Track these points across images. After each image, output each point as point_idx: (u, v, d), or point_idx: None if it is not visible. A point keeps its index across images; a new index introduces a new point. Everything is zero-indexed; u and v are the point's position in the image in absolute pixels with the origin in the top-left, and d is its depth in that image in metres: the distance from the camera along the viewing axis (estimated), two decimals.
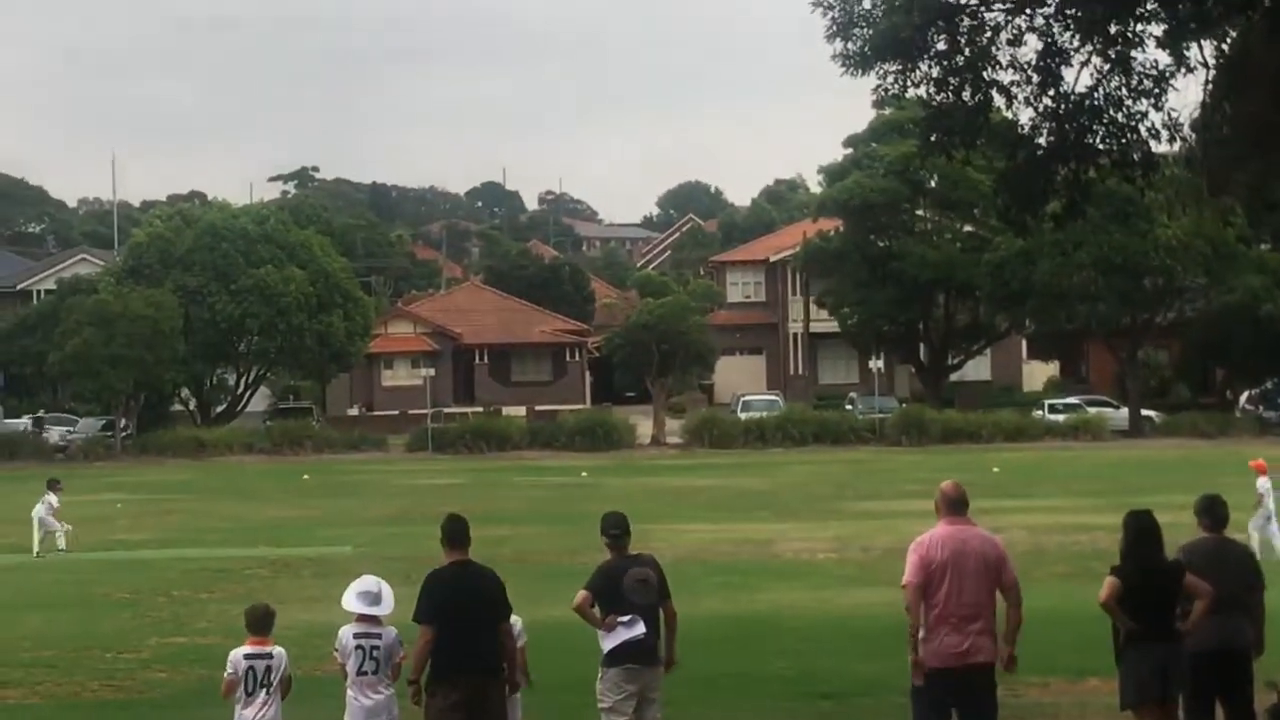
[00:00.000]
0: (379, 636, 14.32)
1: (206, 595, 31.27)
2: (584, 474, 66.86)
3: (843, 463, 71.93)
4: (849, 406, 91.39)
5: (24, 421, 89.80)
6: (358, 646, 14.32)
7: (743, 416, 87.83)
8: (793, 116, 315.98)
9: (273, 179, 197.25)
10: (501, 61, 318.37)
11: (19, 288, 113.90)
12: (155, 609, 29.56)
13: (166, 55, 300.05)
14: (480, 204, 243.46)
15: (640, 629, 14.55)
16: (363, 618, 14.36)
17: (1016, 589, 14.09)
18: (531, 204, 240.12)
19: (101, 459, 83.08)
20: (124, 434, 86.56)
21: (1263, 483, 34.01)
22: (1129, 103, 19.56)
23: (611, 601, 14.60)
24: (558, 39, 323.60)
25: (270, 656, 14.53)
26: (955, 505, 14.06)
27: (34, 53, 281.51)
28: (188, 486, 65.02)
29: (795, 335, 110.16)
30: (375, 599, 14.36)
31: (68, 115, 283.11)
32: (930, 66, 19.60)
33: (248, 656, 14.48)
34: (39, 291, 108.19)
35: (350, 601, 14.42)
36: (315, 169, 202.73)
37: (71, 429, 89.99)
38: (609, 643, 14.63)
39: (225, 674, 14.59)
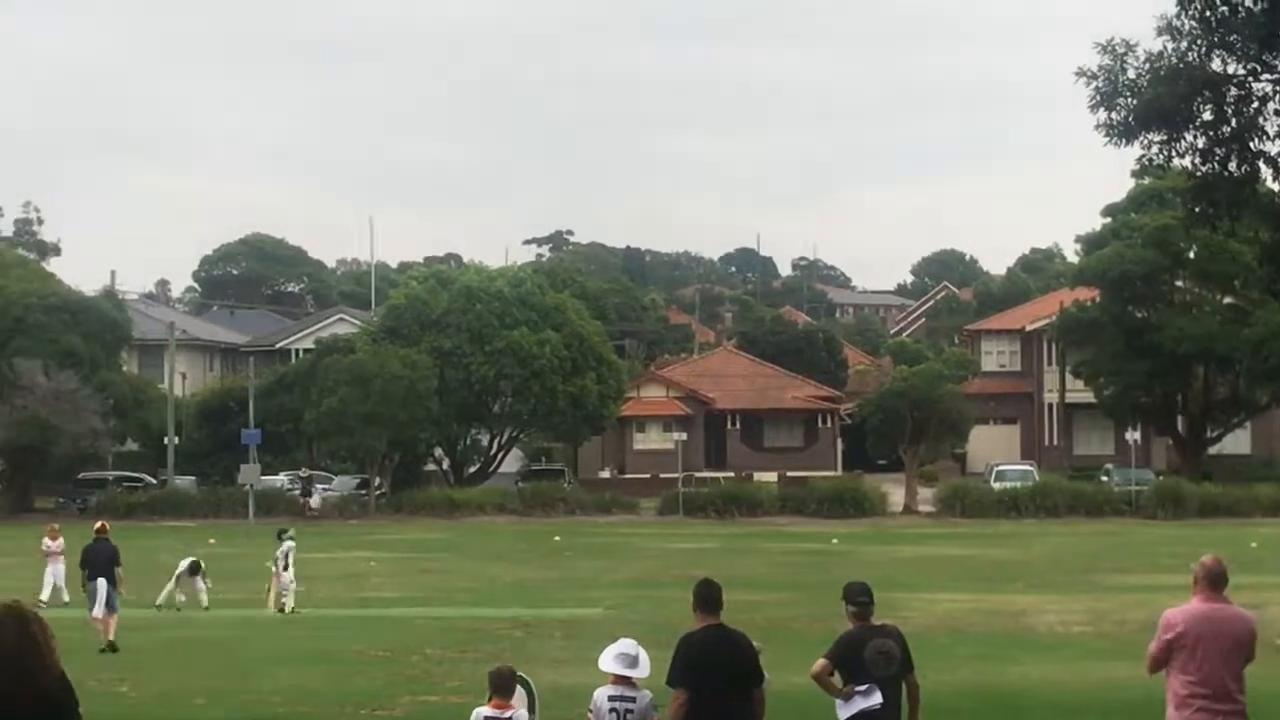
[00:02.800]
0: (634, 700, 14.19)
1: (459, 655, 31.46)
2: (835, 541, 66.53)
3: (1098, 534, 70.81)
4: (1104, 478, 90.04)
5: (281, 478, 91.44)
6: (612, 709, 14.21)
7: (996, 486, 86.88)
8: (1049, 184, 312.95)
9: (527, 242, 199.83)
10: (756, 126, 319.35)
11: (278, 346, 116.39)
12: (409, 667, 29.79)
13: (422, 119, 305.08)
14: (734, 269, 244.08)
15: (877, 699, 14.40)
16: (619, 679, 14.24)
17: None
18: (785, 270, 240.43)
19: (355, 517, 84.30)
20: (378, 492, 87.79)
21: None
22: None
23: (852, 671, 14.44)
24: (811, 104, 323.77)
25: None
26: (1215, 581, 13.70)
27: (294, 114, 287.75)
28: (440, 546, 65.66)
29: (1050, 405, 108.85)
30: (633, 661, 14.27)
31: (327, 177, 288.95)
32: (1196, 137, 19.30)
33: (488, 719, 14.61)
34: (297, 350, 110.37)
35: (608, 663, 14.33)
36: (570, 232, 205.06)
37: (327, 487, 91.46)
38: (845, 712, 14.51)
39: None
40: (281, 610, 40.53)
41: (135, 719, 24.15)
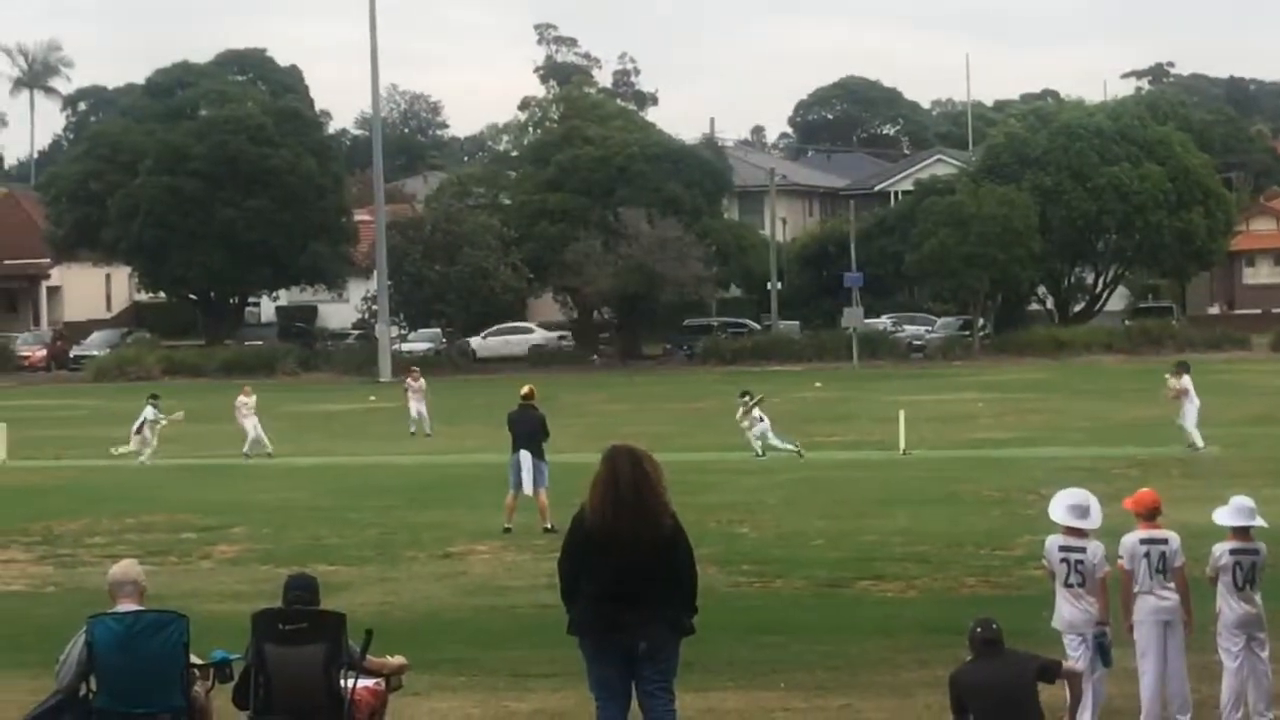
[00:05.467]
0: (1084, 550, 14.21)
1: None
2: None
3: None
4: None
5: (883, 321, 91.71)
6: (1063, 559, 14.27)
7: None
8: None
9: (1125, 75, 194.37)
10: None
11: (876, 189, 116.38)
12: (1024, 506, 29.19)
13: None
14: None
15: None
16: (1069, 530, 14.35)
17: None
18: None
19: (959, 358, 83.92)
20: (981, 333, 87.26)
21: None
22: None
23: None
24: None
25: (1165, 542, 14.40)
26: None
27: None
28: (1047, 385, 64.76)
29: None
30: (1084, 512, 14.33)
31: (922, 16, 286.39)
32: None
33: (1143, 541, 14.42)
34: (896, 193, 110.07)
35: (1058, 513, 14.45)
36: (1170, 64, 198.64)
37: (929, 328, 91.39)
38: None
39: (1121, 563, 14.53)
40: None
41: (757, 559, 24.33)
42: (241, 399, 44.95)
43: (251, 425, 44.23)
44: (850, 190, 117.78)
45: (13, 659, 18.26)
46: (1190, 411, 39.27)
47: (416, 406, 49.92)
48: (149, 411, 43.29)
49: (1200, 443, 38.75)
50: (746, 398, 42.01)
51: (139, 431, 43.08)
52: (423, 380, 50.92)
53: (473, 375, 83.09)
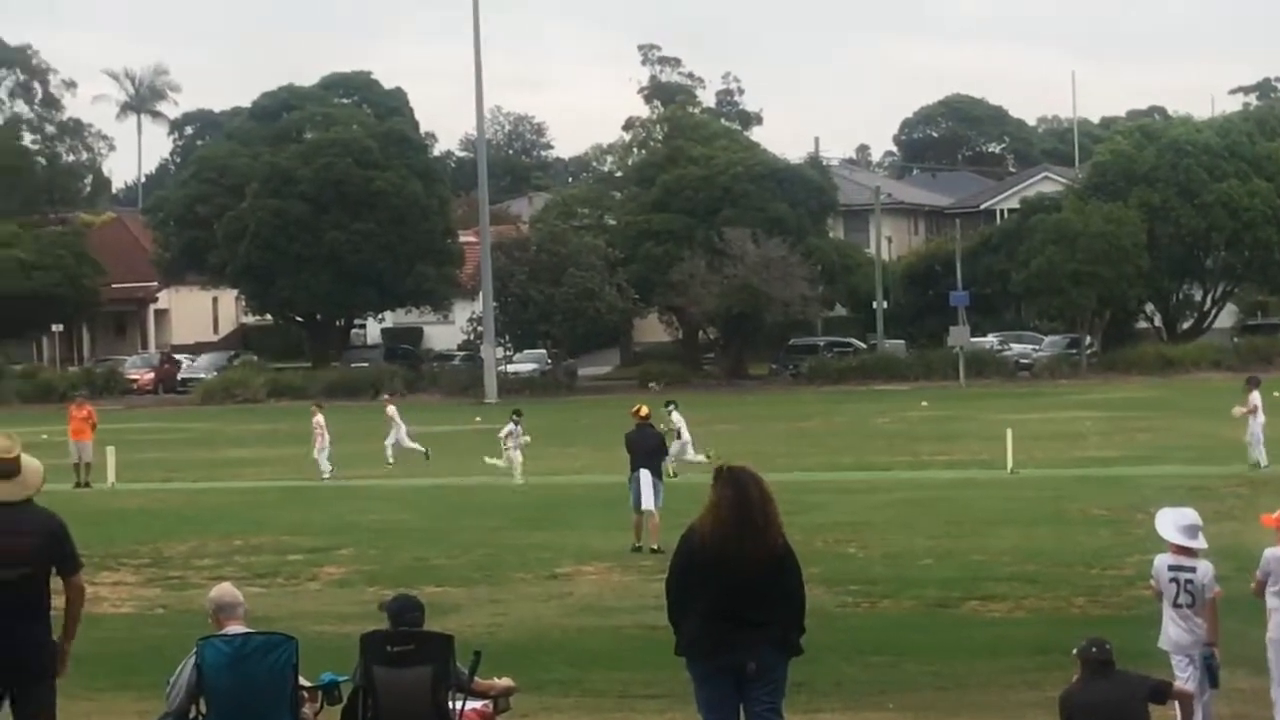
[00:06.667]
0: (1194, 570, 13.91)
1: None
2: None
3: None
4: None
5: (990, 339, 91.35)
6: (1172, 579, 13.99)
7: None
8: None
9: (1233, 91, 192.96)
10: None
11: (982, 207, 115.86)
12: (1134, 525, 28.89)
13: None
14: None
15: None
16: (1179, 549, 13.98)
17: None
18: None
19: (1066, 376, 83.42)
20: (1089, 351, 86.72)
21: None
22: None
23: None
24: None
25: None
26: None
27: None
28: (1155, 404, 64.26)
29: None
30: (1195, 532, 13.95)
31: (1027, 33, 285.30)
32: None
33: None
34: (1002, 211, 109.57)
35: (1169, 532, 14.06)
36: (1278, 80, 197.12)
37: (1036, 347, 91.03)
38: None
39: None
40: None
41: (864, 579, 24.25)
42: (321, 418, 45.01)
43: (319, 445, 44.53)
44: (956, 208, 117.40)
45: (122, 681, 18.35)
46: (1254, 427, 38.90)
47: (394, 435, 47.82)
48: (509, 427, 43.36)
49: (1258, 458, 38.52)
50: (670, 407, 41.93)
51: (507, 448, 43.40)
52: (393, 408, 49.12)
53: (579, 397, 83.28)
